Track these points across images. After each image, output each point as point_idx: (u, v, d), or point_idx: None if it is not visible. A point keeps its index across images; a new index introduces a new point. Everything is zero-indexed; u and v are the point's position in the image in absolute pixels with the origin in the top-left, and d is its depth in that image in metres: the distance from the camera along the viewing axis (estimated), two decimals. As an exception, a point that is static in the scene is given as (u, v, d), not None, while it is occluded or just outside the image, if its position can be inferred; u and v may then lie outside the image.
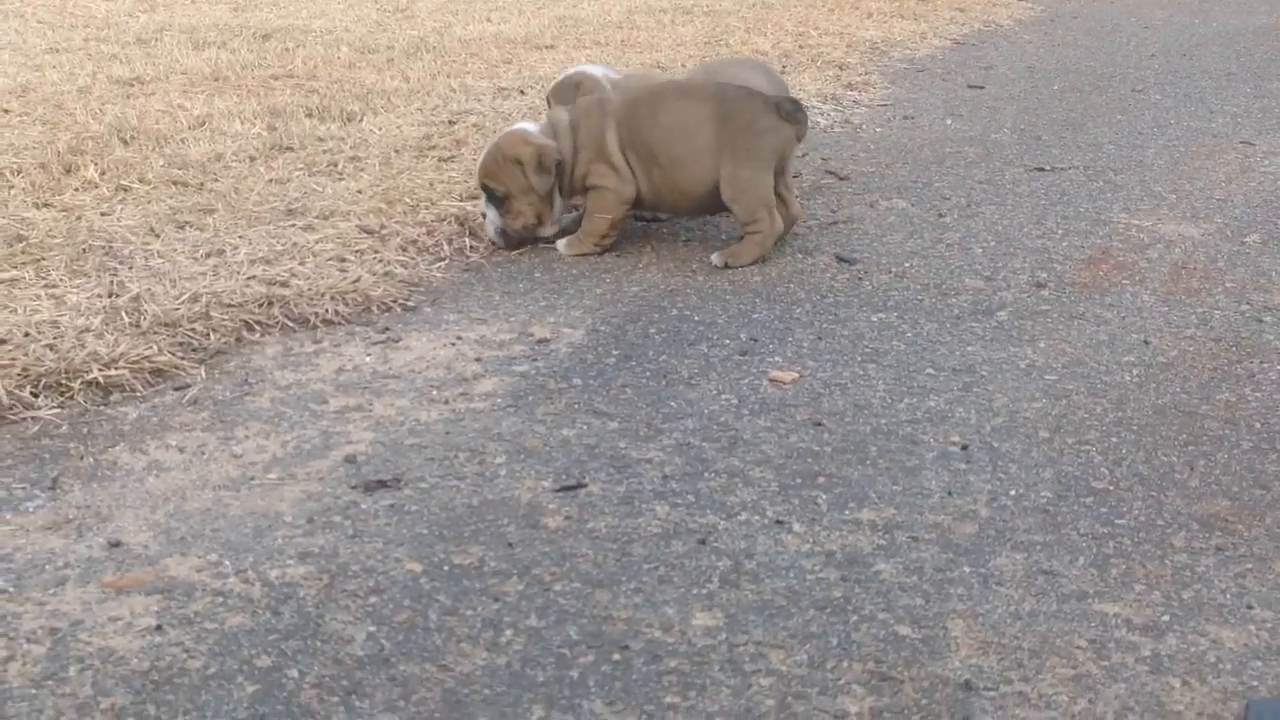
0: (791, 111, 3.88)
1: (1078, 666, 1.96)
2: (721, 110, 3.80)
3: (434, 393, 2.94)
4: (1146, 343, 3.24)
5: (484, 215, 3.98)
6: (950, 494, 2.48)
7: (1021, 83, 6.99)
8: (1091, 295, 3.59)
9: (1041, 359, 3.14)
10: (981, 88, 6.84)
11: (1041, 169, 5.04)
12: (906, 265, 3.86)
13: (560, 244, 3.96)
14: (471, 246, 3.99)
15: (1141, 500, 2.46)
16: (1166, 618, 2.09)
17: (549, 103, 4.50)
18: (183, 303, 3.31)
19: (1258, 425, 2.77)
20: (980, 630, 2.04)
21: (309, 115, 5.71)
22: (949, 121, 5.98)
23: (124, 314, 3.22)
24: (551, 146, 3.84)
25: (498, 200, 3.90)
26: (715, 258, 3.85)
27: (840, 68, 7.20)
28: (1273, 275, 3.72)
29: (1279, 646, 2.02)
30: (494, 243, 3.99)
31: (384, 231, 4.03)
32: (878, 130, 5.79)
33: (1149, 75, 7.16)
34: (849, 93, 6.57)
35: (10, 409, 2.76)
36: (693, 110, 3.82)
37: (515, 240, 3.95)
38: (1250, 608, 2.11)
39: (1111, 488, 2.51)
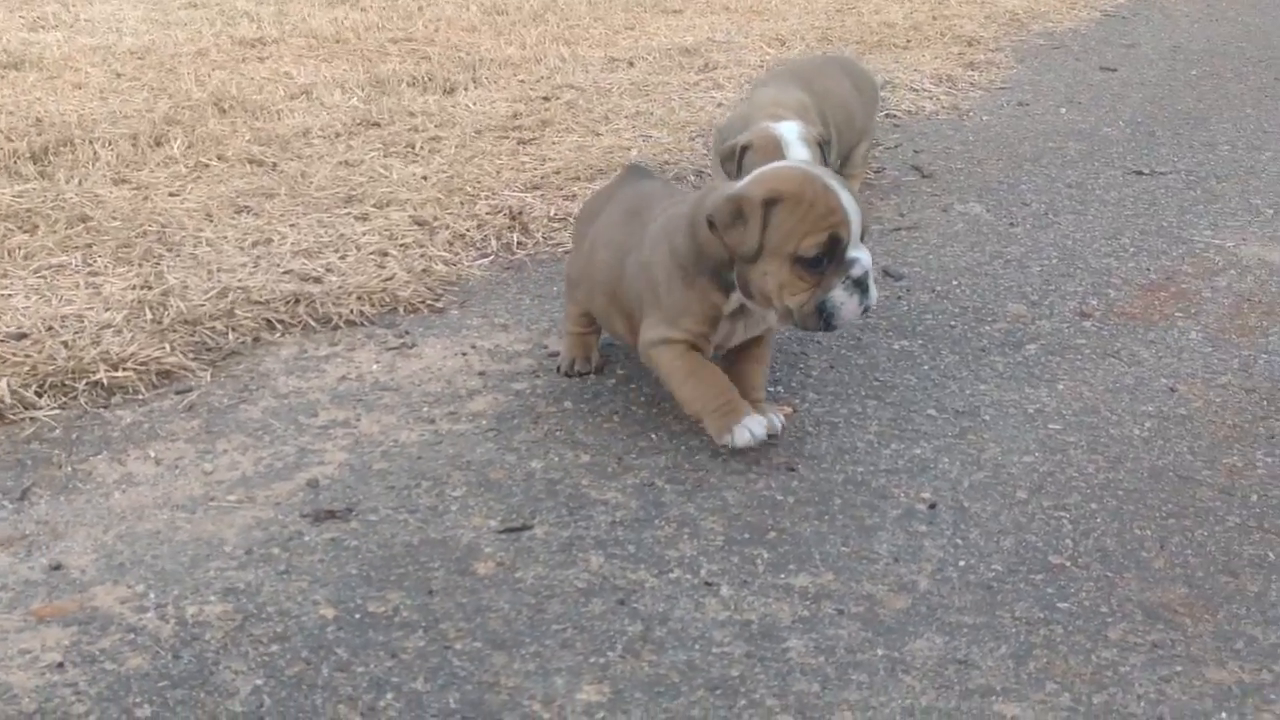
0: None
1: (950, 778, 1.90)
2: None
3: (425, 409, 2.97)
4: (1173, 390, 3.09)
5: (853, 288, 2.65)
6: (897, 560, 2.42)
7: (1160, 65, 6.68)
8: (1136, 328, 3.43)
9: (1054, 403, 3.02)
10: (1114, 70, 6.57)
11: (1140, 172, 4.82)
12: (954, 283, 3.74)
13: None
14: (519, 242, 4.00)
15: (1094, 581, 2.35)
16: (1066, 726, 2.00)
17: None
18: (210, 298, 3.39)
19: (1254, 498, 2.62)
20: (864, 726, 1.99)
21: (411, 85, 5.78)
22: (1063, 110, 5.76)
23: (149, 309, 3.31)
24: None
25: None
26: None
27: (969, 43, 6.98)
28: (1342, 314, 3.51)
29: (1174, 771, 1.92)
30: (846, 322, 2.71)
31: (435, 223, 4.06)
32: (984, 119, 5.61)
33: (1299, 61, 6.77)
34: (968, 74, 6.36)
35: (11, 409, 2.87)
36: None
37: None
38: (1160, 721, 2.02)
39: (1068, 564, 2.41)
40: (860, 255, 2.61)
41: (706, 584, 2.34)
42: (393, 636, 2.18)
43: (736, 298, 2.72)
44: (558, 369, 3.14)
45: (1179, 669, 2.13)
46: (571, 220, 4.00)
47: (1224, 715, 2.02)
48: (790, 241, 2.57)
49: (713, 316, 2.74)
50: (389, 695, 2.04)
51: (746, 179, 2.71)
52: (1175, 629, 2.23)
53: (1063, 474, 2.72)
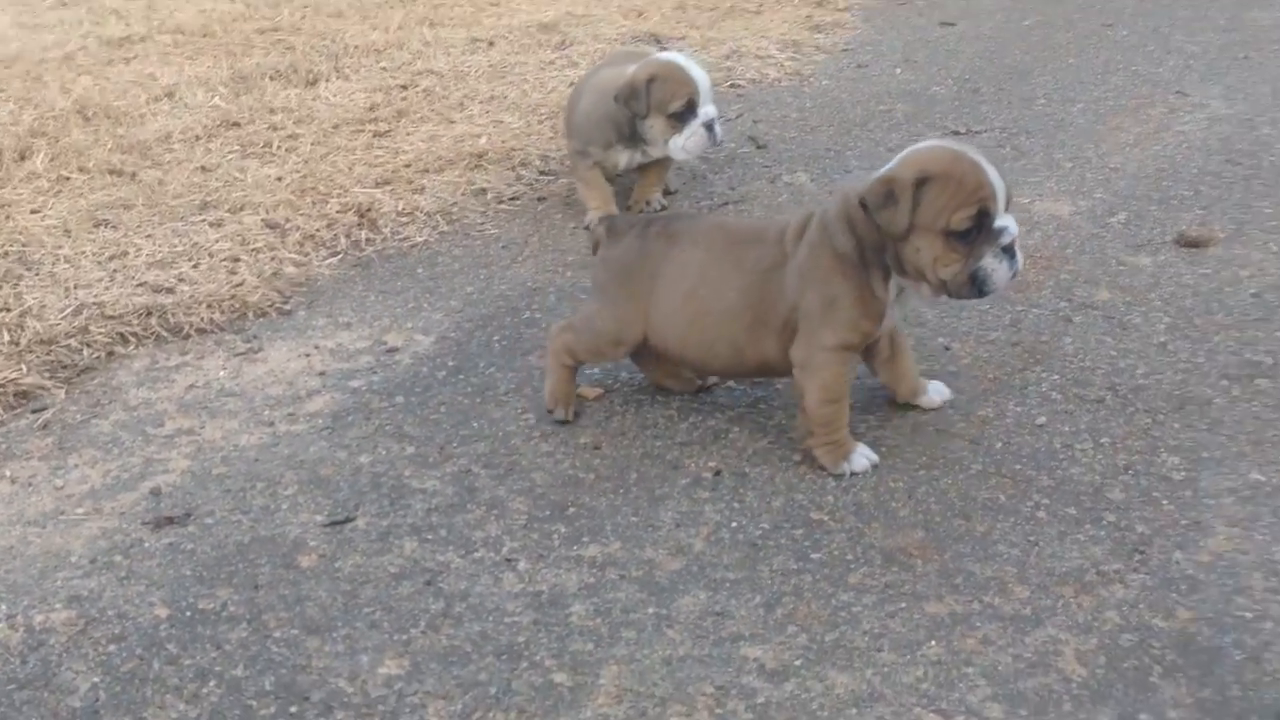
0: None
1: (693, 715, 2.21)
2: None
3: (266, 413, 3.23)
4: (947, 349, 3.41)
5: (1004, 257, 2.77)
6: (679, 526, 2.73)
7: (997, 17, 7.00)
8: (926, 291, 3.74)
9: (840, 369, 3.33)
10: (953, 25, 6.88)
11: (958, 132, 5.14)
12: (768, 255, 4.02)
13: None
14: (367, 239, 4.25)
15: (846, 533, 2.68)
16: (799, 661, 2.33)
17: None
18: (65, 317, 3.63)
19: (998, 445, 2.96)
20: (627, 677, 2.30)
21: (274, 78, 5.99)
22: (899, 71, 6.06)
23: (7, 331, 3.54)
24: None
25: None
26: None
27: (818, 4, 7.25)
28: (1112, 264, 3.85)
29: (883, 692, 2.24)
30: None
31: (287, 225, 4.30)
32: (824, 83, 5.90)
33: (1129, 5, 7.10)
34: (814, 37, 6.65)
35: (-122, 438, 3.10)
36: None
37: None
38: (879, 651, 2.34)
39: (827, 518, 2.73)
40: (1008, 224, 2.73)
41: (506, 560, 2.64)
42: (219, 630, 2.46)
43: (895, 281, 2.85)
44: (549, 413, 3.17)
45: (903, 605, 2.46)
46: (425, 216, 4.27)
47: (933, 643, 2.35)
48: (942, 217, 2.69)
49: (879, 312, 2.87)
50: (211, 683, 2.33)
51: (895, 160, 2.81)
52: (907, 570, 2.56)
53: (836, 436, 3.03)
